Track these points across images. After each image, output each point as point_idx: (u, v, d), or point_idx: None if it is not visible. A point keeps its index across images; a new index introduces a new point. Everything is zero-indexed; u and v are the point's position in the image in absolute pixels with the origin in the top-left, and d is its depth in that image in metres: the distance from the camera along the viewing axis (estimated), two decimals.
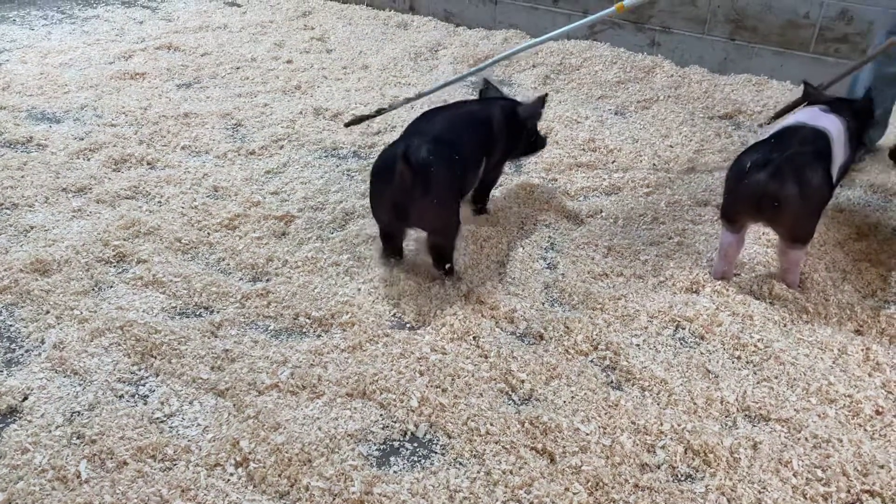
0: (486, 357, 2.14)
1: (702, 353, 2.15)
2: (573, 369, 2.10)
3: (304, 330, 2.26)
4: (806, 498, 1.72)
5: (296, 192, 2.97)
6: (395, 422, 1.93)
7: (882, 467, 1.77)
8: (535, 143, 2.94)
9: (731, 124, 3.57)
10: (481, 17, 4.79)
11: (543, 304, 2.38)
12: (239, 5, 5.35)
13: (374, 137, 3.43)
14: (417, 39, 4.63)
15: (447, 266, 2.42)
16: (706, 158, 3.26)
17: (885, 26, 2.97)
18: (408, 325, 2.29)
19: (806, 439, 1.86)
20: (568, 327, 2.24)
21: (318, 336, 2.23)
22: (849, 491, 1.73)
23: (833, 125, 2.39)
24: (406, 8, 5.09)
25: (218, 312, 2.31)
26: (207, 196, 2.93)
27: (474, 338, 2.21)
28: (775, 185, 2.16)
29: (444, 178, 2.28)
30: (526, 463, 1.80)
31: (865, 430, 1.91)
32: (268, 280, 2.46)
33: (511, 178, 3.12)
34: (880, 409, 1.95)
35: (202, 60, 4.30)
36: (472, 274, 2.51)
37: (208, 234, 2.69)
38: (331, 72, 4.17)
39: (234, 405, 1.95)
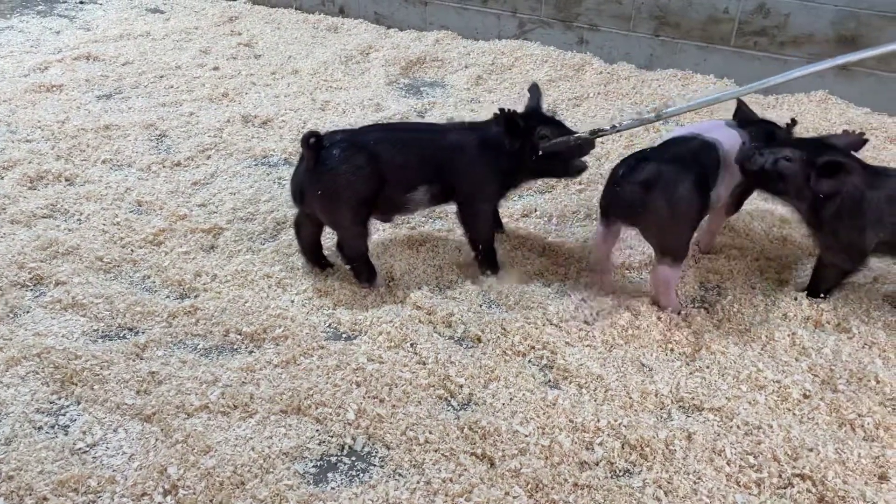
0: (424, 363, 2.11)
1: (636, 348, 2.17)
2: (511, 371, 2.09)
3: (235, 347, 2.19)
4: (739, 485, 1.75)
5: (224, 203, 2.88)
6: (332, 436, 1.88)
7: (811, 450, 1.82)
8: (554, 166, 2.43)
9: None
10: (412, 18, 4.76)
11: (480, 306, 2.37)
12: (162, 12, 5.18)
13: None
14: (348, 42, 4.57)
15: (348, 267, 2.43)
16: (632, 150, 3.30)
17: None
18: (343, 336, 2.25)
19: (738, 427, 1.90)
20: (505, 329, 2.24)
21: (250, 352, 2.16)
22: (780, 476, 1.77)
23: (729, 138, 2.34)
24: (336, 11, 5.02)
25: (143, 333, 2.21)
26: (130, 211, 2.82)
27: (412, 344, 2.18)
28: (640, 191, 2.15)
29: (341, 178, 2.25)
30: (466, 469, 1.78)
31: (794, 414, 1.96)
32: (196, 296, 2.37)
33: None
34: (807, 393, 2.01)
35: (123, 70, 4.14)
36: (408, 279, 2.48)
37: (132, 251, 2.59)
38: (259, 78, 4.08)
39: (162, 430, 1.87)
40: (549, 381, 2.09)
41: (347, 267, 2.43)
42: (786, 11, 3.68)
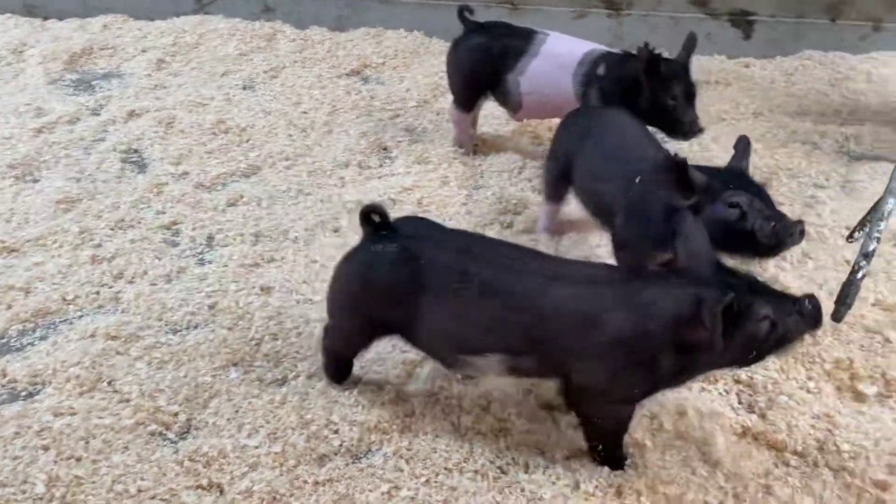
0: (128, 401, 1.83)
1: None
2: (232, 380, 1.89)
3: None
4: (478, 434, 1.75)
5: None
6: None
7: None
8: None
9: (359, 79, 3.55)
10: (70, 5, 4.12)
11: (191, 313, 2.12)
12: None
13: None
14: None
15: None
16: (341, 118, 3.19)
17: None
18: (21, 394, 1.86)
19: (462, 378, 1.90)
20: (219, 333, 2.02)
21: None
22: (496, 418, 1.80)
23: (563, 43, 2.62)
24: None
25: None
26: None
27: (109, 382, 1.88)
28: None
29: (355, 278, 1.74)
30: None
31: None
32: None
33: (137, 179, 2.73)
34: None
35: None
36: (90, 299, 2.14)
37: None
38: None
39: None
40: (277, 379, 1.92)
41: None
42: None
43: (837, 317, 1.78)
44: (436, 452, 1.69)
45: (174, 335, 2.04)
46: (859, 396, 1.84)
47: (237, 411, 1.81)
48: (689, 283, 1.46)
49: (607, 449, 1.63)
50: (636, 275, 1.56)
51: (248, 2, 4.03)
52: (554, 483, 1.62)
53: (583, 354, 1.51)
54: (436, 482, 1.63)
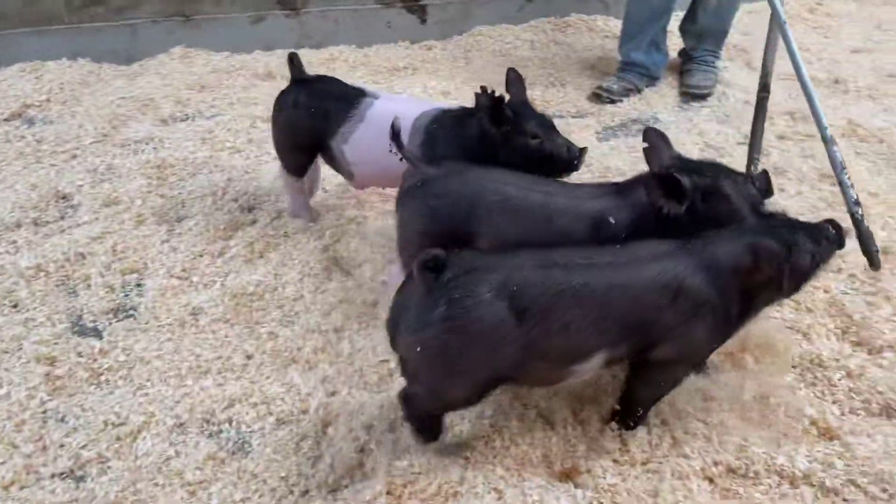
0: None
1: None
2: None
3: None
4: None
5: None
6: None
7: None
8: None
9: (22, 122, 3.10)
10: None
11: None
12: None
13: None
14: None
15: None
16: (4, 172, 2.76)
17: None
18: None
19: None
20: None
21: None
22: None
23: (400, 105, 2.21)
24: None
25: None
26: None
27: None
28: None
29: (455, 335, 1.51)
30: None
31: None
32: None
33: None
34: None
35: None
36: None
37: None
38: None
39: None
40: None
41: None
42: None
43: (875, 265, 1.95)
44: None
45: None
46: None
47: None
48: (743, 233, 1.59)
49: (645, 410, 1.70)
50: (694, 238, 1.61)
51: None
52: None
53: (673, 324, 1.55)
54: None
